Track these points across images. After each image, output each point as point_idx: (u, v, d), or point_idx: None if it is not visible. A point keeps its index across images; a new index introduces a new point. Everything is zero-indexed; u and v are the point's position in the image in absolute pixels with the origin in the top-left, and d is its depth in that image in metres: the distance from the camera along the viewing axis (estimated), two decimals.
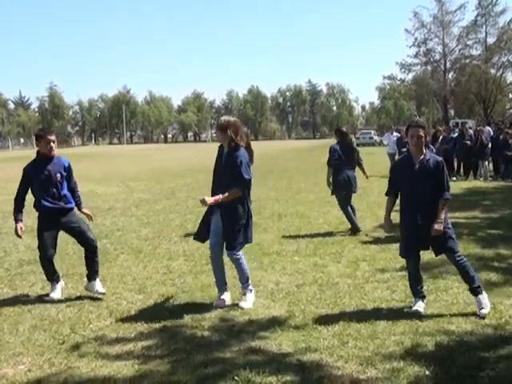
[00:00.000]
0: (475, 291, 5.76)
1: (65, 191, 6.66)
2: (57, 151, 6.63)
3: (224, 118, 6.30)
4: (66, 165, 6.75)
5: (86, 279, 6.79)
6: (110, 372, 4.56)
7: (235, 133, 6.09)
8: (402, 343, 4.97)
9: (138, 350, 5.01)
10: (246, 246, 6.38)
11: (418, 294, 5.89)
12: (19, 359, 4.88)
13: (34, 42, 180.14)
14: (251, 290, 6.29)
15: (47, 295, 6.65)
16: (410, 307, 5.81)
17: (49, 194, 6.52)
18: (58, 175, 6.57)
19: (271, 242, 9.53)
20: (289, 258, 8.32)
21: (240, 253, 6.25)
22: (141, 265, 8.22)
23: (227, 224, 6.09)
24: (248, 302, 6.14)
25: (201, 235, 6.38)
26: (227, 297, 6.27)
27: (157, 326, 5.60)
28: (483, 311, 5.61)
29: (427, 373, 4.38)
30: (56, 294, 6.62)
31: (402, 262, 7.68)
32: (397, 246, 8.72)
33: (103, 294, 6.64)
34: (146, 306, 6.30)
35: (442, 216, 5.63)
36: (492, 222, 11.17)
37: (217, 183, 6.23)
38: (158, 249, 9.31)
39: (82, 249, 6.83)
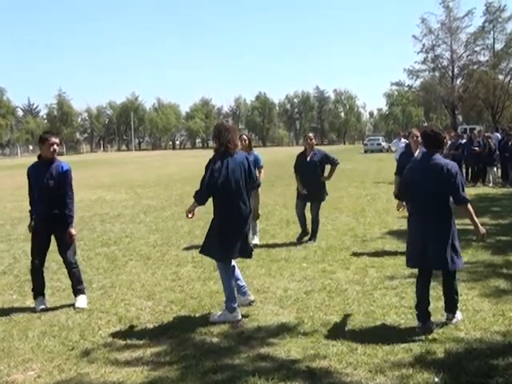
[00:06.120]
0: (452, 310, 5.68)
1: (61, 198, 6.50)
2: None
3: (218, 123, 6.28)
4: (64, 169, 6.52)
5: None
6: (120, 378, 4.58)
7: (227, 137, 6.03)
8: (411, 350, 4.96)
9: (147, 356, 5.02)
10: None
11: (421, 316, 5.56)
12: (29, 365, 4.91)
13: (42, 50, 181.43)
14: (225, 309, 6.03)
15: (34, 306, 6.54)
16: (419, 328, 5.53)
17: (44, 199, 6.49)
18: (51, 182, 6.43)
19: (279, 248, 9.53)
20: (297, 265, 8.32)
21: (220, 264, 6.13)
22: (149, 271, 8.24)
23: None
24: (215, 317, 5.99)
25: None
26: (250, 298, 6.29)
27: (165, 332, 5.61)
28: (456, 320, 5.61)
29: (436, 380, 4.37)
30: (40, 305, 6.50)
31: (411, 268, 7.69)
32: (405, 252, 8.75)
33: (82, 309, 6.50)
34: (155, 312, 6.31)
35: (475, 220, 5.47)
36: (501, 228, 11.13)
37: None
38: (167, 255, 9.33)
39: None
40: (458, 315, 5.70)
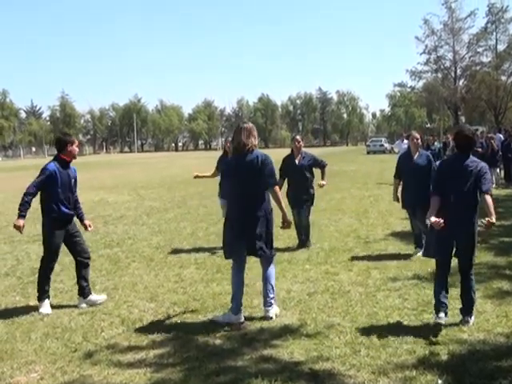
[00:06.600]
0: (469, 312, 5.71)
1: (74, 198, 6.79)
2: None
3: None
4: (75, 170, 6.85)
5: (80, 296, 6.71)
6: (123, 380, 4.58)
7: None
8: (415, 352, 4.95)
9: (150, 358, 5.02)
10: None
11: (440, 310, 5.66)
12: (32, 367, 4.91)
13: (45, 52, 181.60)
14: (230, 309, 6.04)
15: (40, 310, 6.48)
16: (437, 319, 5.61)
17: (66, 200, 6.57)
18: (73, 181, 6.68)
19: (282, 250, 9.50)
20: (300, 266, 8.31)
21: (231, 262, 6.24)
22: (152, 273, 8.24)
23: None
24: (219, 317, 6.00)
25: None
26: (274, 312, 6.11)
27: (168, 334, 5.61)
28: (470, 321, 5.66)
29: (440, 382, 4.36)
30: (47, 309, 6.45)
31: (414, 270, 7.70)
32: (408, 253, 8.75)
33: (105, 300, 6.76)
34: (158, 314, 6.31)
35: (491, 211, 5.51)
36: (504, 229, 11.11)
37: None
38: (170, 257, 9.33)
39: (91, 258, 6.88)
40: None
